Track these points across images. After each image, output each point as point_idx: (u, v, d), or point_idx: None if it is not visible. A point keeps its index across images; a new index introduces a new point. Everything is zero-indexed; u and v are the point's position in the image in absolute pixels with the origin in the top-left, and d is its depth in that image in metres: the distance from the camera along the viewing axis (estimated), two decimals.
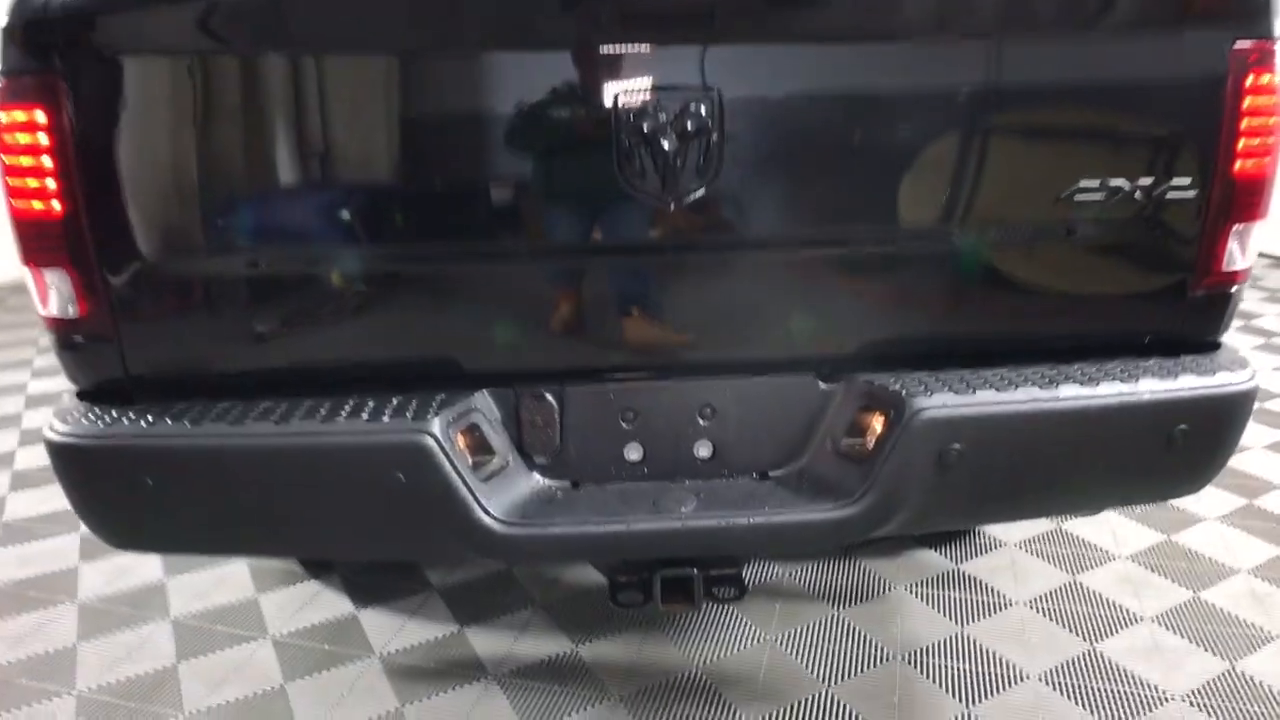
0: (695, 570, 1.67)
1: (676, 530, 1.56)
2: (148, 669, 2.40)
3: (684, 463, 1.73)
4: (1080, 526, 2.99)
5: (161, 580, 2.82)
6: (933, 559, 2.83)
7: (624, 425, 1.71)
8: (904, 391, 1.58)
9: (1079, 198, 1.62)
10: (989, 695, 2.22)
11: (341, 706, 2.23)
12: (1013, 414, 1.57)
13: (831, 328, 1.72)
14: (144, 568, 2.87)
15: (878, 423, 1.62)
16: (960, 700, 2.20)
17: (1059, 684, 2.24)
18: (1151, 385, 1.60)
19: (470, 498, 1.53)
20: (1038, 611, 2.54)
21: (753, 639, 2.44)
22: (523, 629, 2.51)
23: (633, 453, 1.72)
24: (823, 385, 1.71)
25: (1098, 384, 1.60)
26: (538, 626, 2.52)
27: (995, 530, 2.99)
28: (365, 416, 1.55)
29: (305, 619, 2.59)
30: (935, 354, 1.73)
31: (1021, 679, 2.27)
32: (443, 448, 1.52)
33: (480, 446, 1.64)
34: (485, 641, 2.46)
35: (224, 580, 2.80)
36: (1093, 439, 1.61)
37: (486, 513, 1.54)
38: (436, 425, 1.53)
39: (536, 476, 1.70)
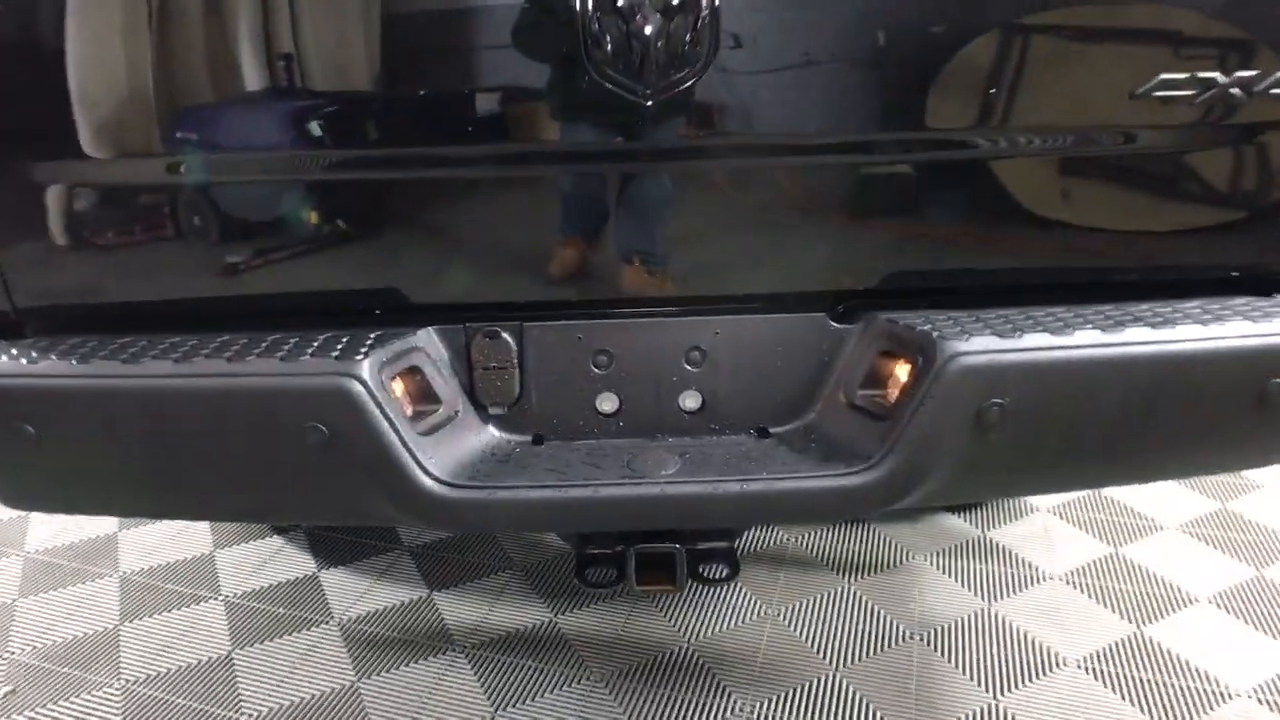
0: (678, 545, 1.40)
1: (655, 497, 1.29)
2: (88, 630, 2.19)
3: (667, 416, 1.45)
4: (1122, 491, 2.71)
5: (114, 533, 2.59)
6: (955, 525, 2.55)
7: (595, 370, 1.43)
8: (935, 333, 1.29)
9: (1158, 95, 1.30)
10: (1020, 683, 1.96)
11: (292, 679, 2.00)
12: (1069, 362, 1.28)
13: (847, 255, 1.42)
14: (97, 519, 2.65)
15: (902, 371, 1.34)
16: (986, 688, 1.94)
17: (1101, 672, 1.98)
18: (1242, 329, 1.30)
19: (406, 455, 1.26)
20: (1075, 587, 2.27)
21: (752, 613, 2.19)
22: (497, 596, 2.27)
23: (606, 404, 1.44)
24: (835, 325, 1.42)
25: (1174, 327, 1.30)
26: (514, 593, 2.28)
27: None
28: (281, 356, 1.28)
29: (262, 579, 2.36)
30: (972, 289, 1.44)
31: (1058, 665, 2.01)
32: (373, 394, 1.25)
33: (422, 394, 1.36)
34: (455, 609, 2.22)
35: (180, 534, 2.57)
36: (1167, 395, 1.31)
37: (426, 473, 1.27)
38: (366, 367, 1.25)
39: (491, 430, 1.43)
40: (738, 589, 2.26)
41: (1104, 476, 1.51)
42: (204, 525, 2.60)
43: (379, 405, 1.25)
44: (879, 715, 1.87)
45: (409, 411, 1.33)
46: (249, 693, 1.96)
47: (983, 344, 1.27)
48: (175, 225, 1.42)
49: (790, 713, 1.88)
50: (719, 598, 2.23)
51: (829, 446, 1.37)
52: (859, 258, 1.42)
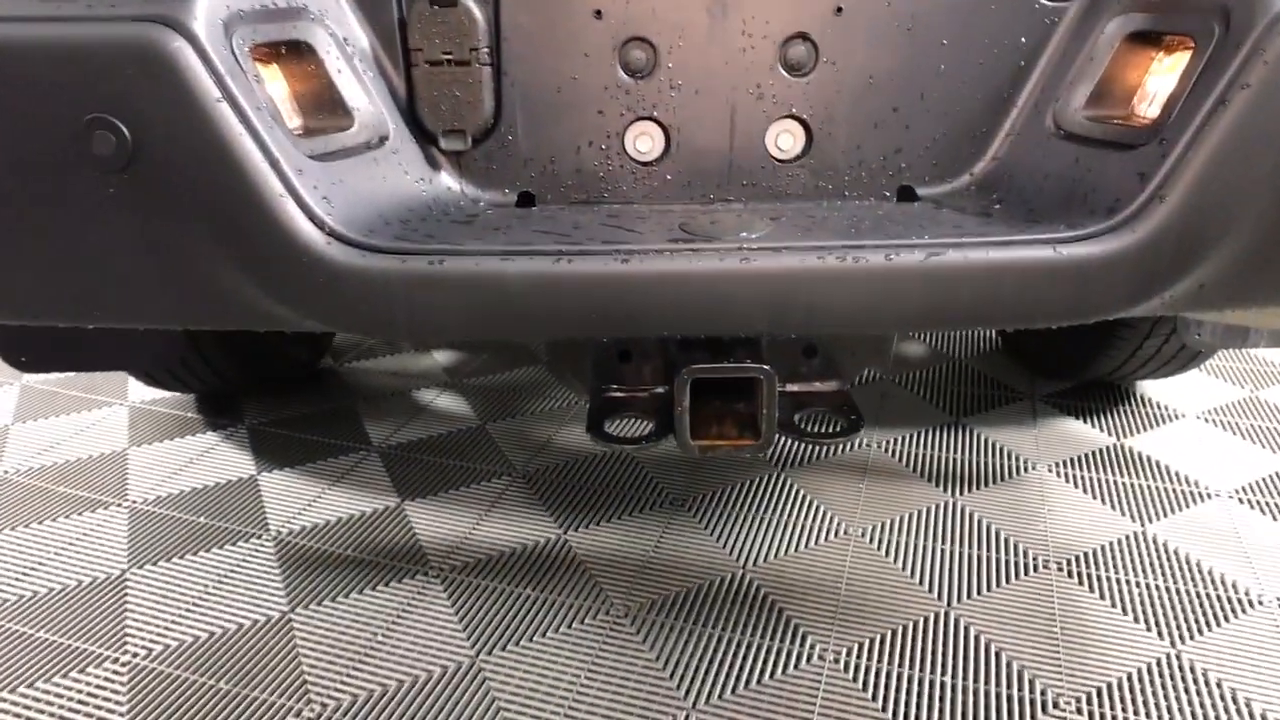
0: (766, 368, 0.83)
1: (731, 273, 0.72)
2: None
3: (746, 164, 0.87)
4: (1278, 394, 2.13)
5: (5, 426, 2.05)
6: (1080, 430, 1.98)
7: (625, 76, 0.85)
8: None
9: None
10: (1202, 627, 1.40)
11: (202, 606, 1.46)
12: None
13: None
14: None
15: (1169, 63, 0.75)
16: (1159, 634, 1.38)
17: None
18: None
19: (274, 181, 0.70)
20: (1252, 507, 1.70)
21: (828, 532, 1.63)
22: (491, 505, 1.72)
23: (642, 139, 0.86)
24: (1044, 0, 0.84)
25: None
26: (512, 502, 1.73)
27: (1163, 396, 2.13)
28: None
29: (183, 482, 1.82)
30: None
31: (1249, 605, 1.44)
32: (210, 62, 0.68)
33: (320, 99, 0.79)
34: (433, 522, 1.67)
35: (92, 426, 2.03)
36: None
37: (311, 218, 0.71)
38: (198, 13, 0.68)
39: (444, 179, 0.86)
40: (805, 502, 1.70)
41: None
42: (123, 417, 2.07)
43: (221, 82, 0.67)
44: (1016, 667, 1.31)
45: (292, 123, 0.76)
46: (140, 623, 1.42)
47: None
48: None
49: (890, 660, 1.33)
50: (780, 513, 1.67)
51: (1030, 203, 0.79)
52: None
